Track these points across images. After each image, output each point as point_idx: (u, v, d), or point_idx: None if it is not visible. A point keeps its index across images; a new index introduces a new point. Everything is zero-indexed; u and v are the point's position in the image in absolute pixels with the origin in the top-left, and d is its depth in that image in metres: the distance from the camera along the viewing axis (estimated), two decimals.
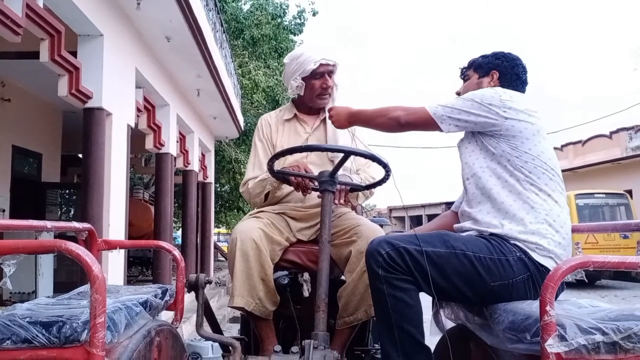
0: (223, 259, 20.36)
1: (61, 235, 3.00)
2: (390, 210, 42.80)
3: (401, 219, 41.52)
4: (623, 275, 13.16)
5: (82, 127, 5.08)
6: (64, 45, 4.46)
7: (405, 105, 2.00)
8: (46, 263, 7.14)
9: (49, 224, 1.68)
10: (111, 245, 2.16)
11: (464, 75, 2.20)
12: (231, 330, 6.26)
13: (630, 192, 15.45)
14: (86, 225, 2.00)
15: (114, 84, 5.36)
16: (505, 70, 2.09)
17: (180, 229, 11.11)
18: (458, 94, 2.16)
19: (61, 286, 7.55)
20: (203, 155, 11.42)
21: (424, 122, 1.93)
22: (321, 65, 2.37)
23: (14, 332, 1.26)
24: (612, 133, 19.76)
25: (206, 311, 2.14)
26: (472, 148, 1.95)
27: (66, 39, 4.48)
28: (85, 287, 1.94)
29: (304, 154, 2.35)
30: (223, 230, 31.00)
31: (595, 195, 13.30)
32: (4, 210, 7.73)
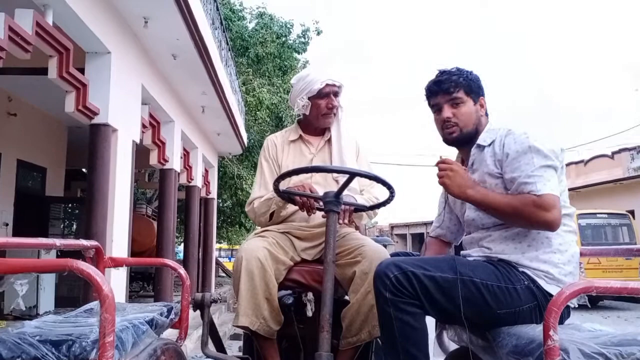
0: (224, 274, 20.30)
1: (66, 252, 3.02)
2: (392, 227, 42.69)
3: (403, 237, 41.39)
4: (627, 296, 13.09)
5: (88, 143, 5.13)
6: (72, 62, 4.53)
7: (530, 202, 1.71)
8: (48, 278, 7.15)
9: (57, 242, 1.70)
10: (117, 263, 2.18)
11: (453, 97, 1.93)
12: (231, 348, 6.23)
13: (632, 212, 15.42)
14: (93, 242, 2.02)
15: (120, 101, 5.43)
16: (484, 94, 2.00)
17: (182, 244, 11.12)
18: (448, 120, 1.93)
19: (62, 301, 7.55)
20: (206, 171, 11.47)
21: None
22: (327, 85, 2.42)
23: (24, 350, 1.28)
24: (614, 153, 19.81)
25: (210, 330, 2.15)
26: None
27: (74, 56, 4.55)
28: (92, 305, 1.96)
29: (309, 174, 2.38)
30: (224, 245, 30.96)
31: (598, 215, 13.26)
32: (7, 224, 7.76)
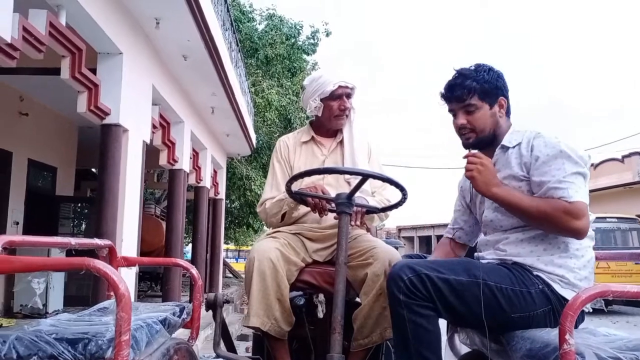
0: (231, 275, 20.35)
1: (78, 251, 3.03)
2: (400, 230, 42.57)
3: (410, 239, 41.26)
4: (635, 301, 12.98)
5: (99, 143, 5.16)
6: (85, 63, 4.56)
7: (558, 207, 1.70)
8: (57, 277, 7.19)
9: (73, 240, 1.71)
10: (130, 262, 2.19)
11: (466, 104, 1.90)
12: (238, 348, 6.22)
13: None
14: (107, 242, 2.03)
15: (131, 101, 5.46)
16: (507, 93, 1.95)
17: (190, 245, 11.15)
18: (463, 126, 1.92)
19: (71, 300, 7.59)
20: (215, 171, 11.50)
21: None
22: (340, 87, 2.42)
23: (40, 348, 1.29)
24: (624, 157, 19.67)
25: (222, 330, 2.16)
26: None
27: (86, 56, 4.58)
28: (106, 304, 1.97)
29: (321, 175, 2.38)
30: (232, 246, 31.01)
31: (607, 219, 13.15)
32: (17, 223, 7.81)
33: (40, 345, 1.29)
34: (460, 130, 1.95)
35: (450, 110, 1.98)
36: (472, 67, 1.95)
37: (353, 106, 2.53)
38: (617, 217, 13.46)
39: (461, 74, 1.93)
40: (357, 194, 2.12)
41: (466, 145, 1.98)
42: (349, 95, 2.47)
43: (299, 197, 2.23)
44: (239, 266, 25.67)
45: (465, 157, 1.91)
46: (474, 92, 1.88)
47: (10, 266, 1.24)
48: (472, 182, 1.88)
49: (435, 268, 1.69)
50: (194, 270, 2.16)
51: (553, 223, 1.72)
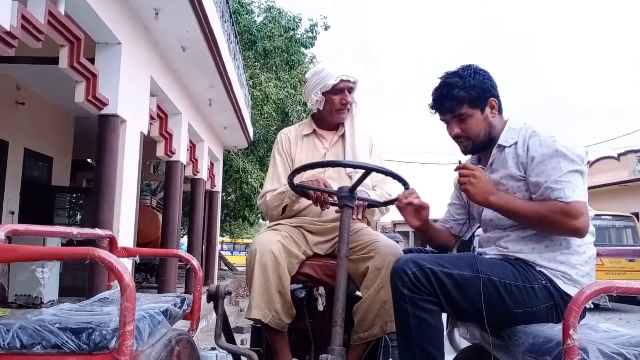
0: (226, 268, 20.37)
1: (79, 241, 3.02)
2: (395, 224, 42.61)
3: (405, 234, 41.29)
4: (628, 298, 13.06)
5: (97, 134, 5.14)
6: (83, 53, 4.54)
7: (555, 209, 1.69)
8: (53, 267, 7.16)
9: (75, 230, 1.70)
10: (131, 253, 2.18)
11: (457, 115, 1.87)
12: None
13: (637, 215, 15.37)
14: (108, 232, 2.03)
15: (129, 92, 5.43)
16: (497, 91, 1.90)
17: (186, 237, 11.15)
18: (458, 136, 1.91)
19: (66, 290, 7.57)
20: (212, 164, 11.49)
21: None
22: (342, 81, 2.41)
23: (44, 338, 1.28)
24: (620, 155, 19.75)
25: (223, 322, 2.16)
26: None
27: (85, 46, 4.56)
28: (107, 294, 1.96)
29: (322, 169, 2.38)
30: (227, 239, 31.02)
31: (603, 217, 13.18)
32: (13, 213, 7.78)
33: (44, 335, 1.29)
34: (456, 139, 1.94)
35: (442, 120, 1.96)
36: (457, 72, 1.90)
37: (355, 100, 2.52)
38: (612, 215, 13.50)
39: (447, 84, 1.88)
40: (359, 187, 2.12)
41: (465, 153, 1.98)
42: (350, 90, 2.47)
43: (301, 190, 2.23)
44: (235, 259, 25.70)
45: (457, 169, 1.90)
46: (463, 101, 1.85)
47: (15, 255, 1.23)
48: (466, 194, 1.87)
49: (439, 263, 1.69)
50: (195, 262, 2.15)
51: (552, 225, 1.71)
